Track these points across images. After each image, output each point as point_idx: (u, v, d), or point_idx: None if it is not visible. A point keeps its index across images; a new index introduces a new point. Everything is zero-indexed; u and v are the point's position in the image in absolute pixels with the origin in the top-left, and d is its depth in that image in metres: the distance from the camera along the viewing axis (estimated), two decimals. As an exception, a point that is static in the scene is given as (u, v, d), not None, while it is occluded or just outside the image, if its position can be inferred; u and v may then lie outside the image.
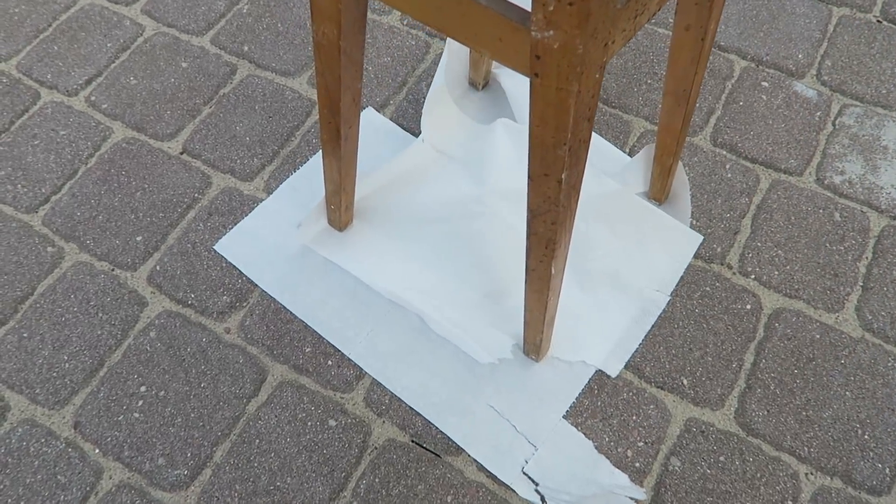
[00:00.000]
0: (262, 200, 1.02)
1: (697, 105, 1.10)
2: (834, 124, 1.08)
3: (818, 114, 1.09)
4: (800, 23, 1.19)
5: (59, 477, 0.83)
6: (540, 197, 0.65)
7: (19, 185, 1.04)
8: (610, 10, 0.51)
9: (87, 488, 0.82)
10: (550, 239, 0.69)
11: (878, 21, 1.19)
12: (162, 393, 0.88)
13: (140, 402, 0.87)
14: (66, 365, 0.90)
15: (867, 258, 0.96)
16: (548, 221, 0.67)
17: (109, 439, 0.85)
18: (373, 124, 1.09)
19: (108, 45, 1.18)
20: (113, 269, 0.97)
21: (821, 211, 1.01)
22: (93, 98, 1.12)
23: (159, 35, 1.19)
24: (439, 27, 0.59)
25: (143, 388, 0.88)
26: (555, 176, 0.62)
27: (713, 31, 0.75)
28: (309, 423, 0.86)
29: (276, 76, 1.14)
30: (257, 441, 0.85)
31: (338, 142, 0.82)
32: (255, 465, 0.83)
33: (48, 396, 0.88)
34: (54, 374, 0.89)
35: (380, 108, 1.11)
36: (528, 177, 0.64)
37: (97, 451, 0.84)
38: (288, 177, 1.04)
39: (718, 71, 1.14)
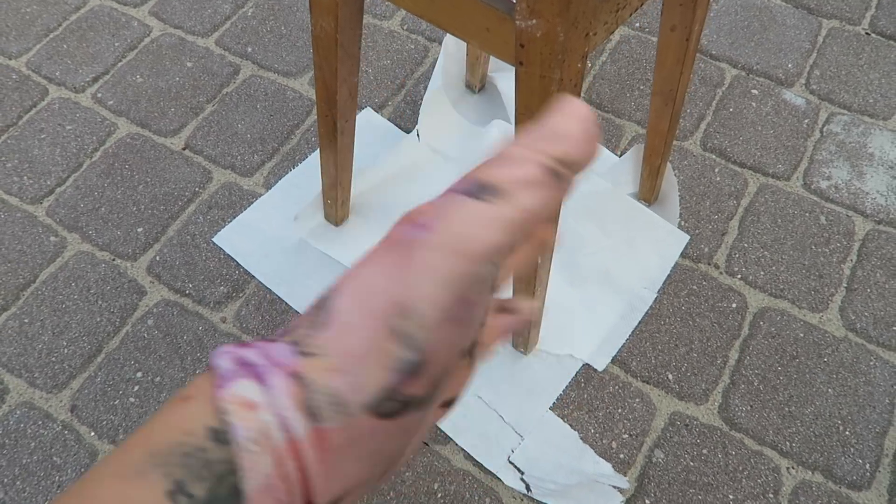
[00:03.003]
0: (261, 195, 1.05)
1: (688, 111, 1.13)
2: (821, 131, 1.11)
3: (806, 121, 1.12)
4: (790, 34, 1.22)
5: (54, 458, 0.85)
6: (526, 186, 0.67)
7: (25, 177, 1.07)
8: (590, 2, 0.53)
9: (82, 470, 0.84)
10: (537, 228, 0.71)
11: (867, 33, 1.22)
12: (157, 379, 0.90)
13: (136, 388, 0.89)
14: (65, 350, 0.92)
15: (851, 260, 0.98)
16: (534, 210, 0.69)
17: (105, 423, 0.87)
18: (371, 124, 1.12)
19: (116, 44, 1.21)
20: (114, 259, 0.99)
21: (807, 214, 1.03)
22: (99, 95, 1.15)
23: (166, 35, 1.22)
24: (432, 19, 0.62)
25: (139, 374, 0.90)
26: (540, 164, 0.64)
27: (698, 31, 0.77)
28: (300, 410, 0.87)
29: (278, 76, 1.17)
30: (249, 426, 0.86)
31: (334, 135, 0.85)
32: (247, 449, 0.85)
33: (46, 380, 0.90)
34: (53, 358, 0.91)
35: (378, 109, 1.14)
36: (515, 165, 0.66)
37: (93, 433, 0.86)
38: (287, 173, 1.07)
39: (710, 78, 1.16)
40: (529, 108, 0.60)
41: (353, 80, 0.79)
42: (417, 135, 1.07)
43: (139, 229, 1.02)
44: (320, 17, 0.71)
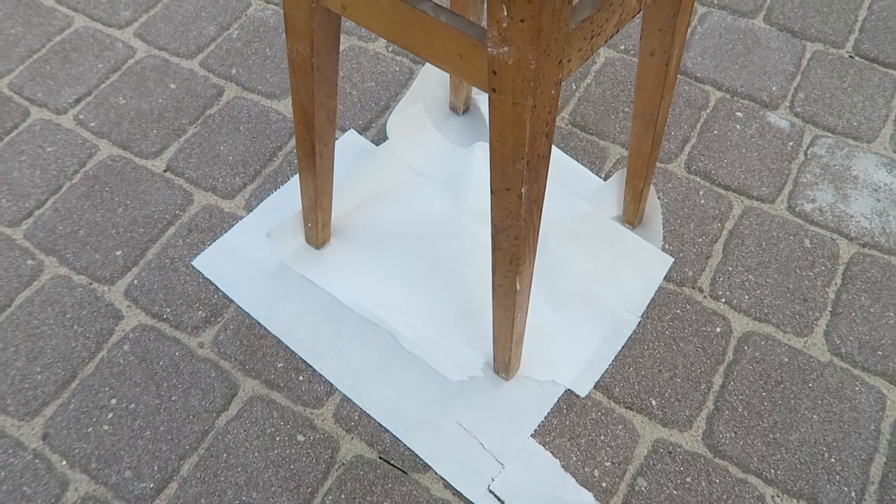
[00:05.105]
0: (242, 218, 1.04)
1: (673, 133, 1.12)
2: (806, 154, 1.11)
3: (790, 144, 1.12)
4: (774, 56, 1.22)
5: (24, 488, 0.83)
6: (503, 212, 0.66)
7: (3, 200, 1.05)
8: (562, 29, 0.53)
9: (53, 500, 0.82)
10: (514, 254, 0.70)
11: (851, 56, 1.22)
12: (132, 406, 0.88)
13: (110, 415, 0.88)
14: (39, 376, 0.90)
15: (836, 284, 0.98)
16: (511, 236, 0.68)
17: (77, 451, 0.85)
18: (355, 146, 1.11)
19: (100, 65, 1.21)
20: (91, 283, 0.98)
21: (791, 237, 1.02)
22: (81, 116, 1.15)
23: (150, 57, 1.22)
24: (405, 44, 0.62)
25: (113, 401, 0.89)
26: (515, 190, 0.63)
27: (677, 56, 0.77)
28: (277, 438, 0.86)
29: (262, 98, 1.17)
30: (225, 455, 0.85)
31: (312, 158, 0.84)
32: (222, 479, 0.83)
33: (19, 407, 0.88)
34: (26, 385, 0.90)
35: (362, 131, 1.13)
36: (491, 191, 0.65)
37: (64, 462, 0.84)
38: (268, 196, 1.06)
39: (694, 101, 1.16)
40: (503, 135, 0.59)
41: (331, 103, 0.79)
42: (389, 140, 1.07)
43: (118, 252, 1.01)
44: (296, 41, 0.71)
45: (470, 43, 0.56)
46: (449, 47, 0.58)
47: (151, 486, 0.83)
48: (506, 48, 0.53)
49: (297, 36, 0.70)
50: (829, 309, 0.95)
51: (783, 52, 1.22)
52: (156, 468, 0.84)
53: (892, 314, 0.95)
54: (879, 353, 0.92)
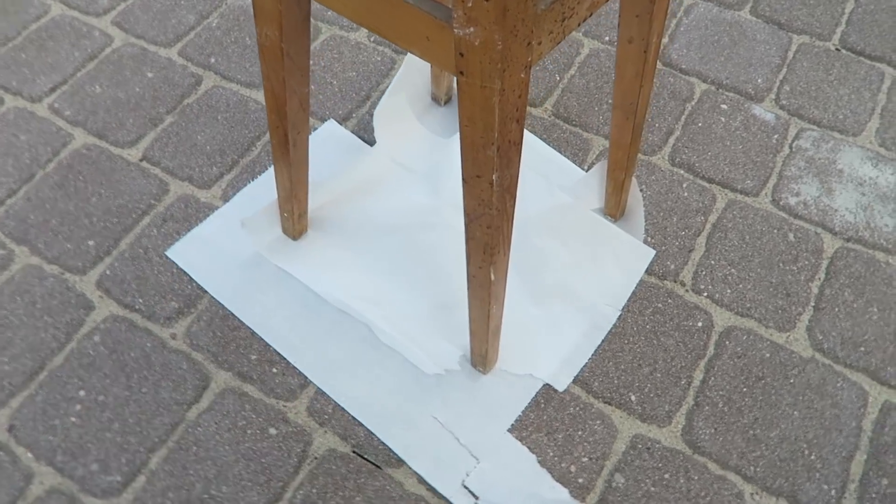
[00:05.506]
0: (218, 208, 1.02)
1: (657, 125, 1.11)
2: (791, 147, 1.09)
3: (775, 136, 1.10)
4: (760, 49, 1.20)
5: (-11, 481, 0.81)
6: (475, 200, 0.65)
7: (-25, 188, 1.03)
8: (529, 9, 0.51)
9: (16, 493, 0.80)
10: (488, 244, 0.68)
11: (837, 49, 1.21)
12: (101, 398, 0.86)
13: (78, 407, 0.86)
14: (6, 367, 0.88)
15: (820, 279, 0.96)
16: (483, 225, 0.66)
17: (43, 444, 0.83)
18: (334, 136, 1.09)
19: (76, 54, 1.19)
20: (62, 273, 0.96)
21: (775, 231, 1.01)
22: (56, 105, 1.12)
23: (127, 46, 1.20)
24: (372, 27, 0.60)
25: (82, 393, 0.87)
26: (486, 177, 0.61)
27: (656, 44, 0.75)
28: (249, 431, 0.84)
29: (241, 87, 1.15)
30: (195, 448, 0.83)
31: (286, 147, 0.82)
32: (191, 472, 0.82)
33: (-15, 399, 0.86)
34: (-6, 376, 0.88)
35: (342, 121, 1.11)
36: (463, 179, 0.64)
37: (29, 455, 0.82)
38: (246, 185, 1.04)
39: (679, 93, 1.15)
40: (472, 120, 0.57)
41: (304, 90, 0.77)
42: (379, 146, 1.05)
43: (90, 242, 0.99)
44: (264, 24, 0.69)
45: (437, 24, 0.54)
46: (416, 29, 0.56)
47: (119, 479, 0.81)
48: (472, 29, 0.51)
49: (265, 19, 0.68)
50: (812, 304, 0.94)
51: (769, 45, 1.21)
52: (123, 461, 0.82)
53: (875, 310, 0.94)
54: (862, 348, 0.91)
